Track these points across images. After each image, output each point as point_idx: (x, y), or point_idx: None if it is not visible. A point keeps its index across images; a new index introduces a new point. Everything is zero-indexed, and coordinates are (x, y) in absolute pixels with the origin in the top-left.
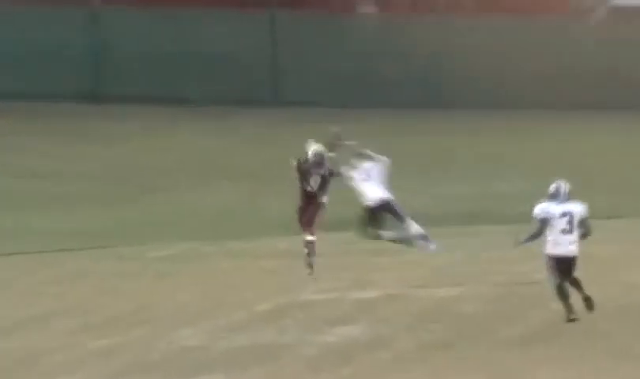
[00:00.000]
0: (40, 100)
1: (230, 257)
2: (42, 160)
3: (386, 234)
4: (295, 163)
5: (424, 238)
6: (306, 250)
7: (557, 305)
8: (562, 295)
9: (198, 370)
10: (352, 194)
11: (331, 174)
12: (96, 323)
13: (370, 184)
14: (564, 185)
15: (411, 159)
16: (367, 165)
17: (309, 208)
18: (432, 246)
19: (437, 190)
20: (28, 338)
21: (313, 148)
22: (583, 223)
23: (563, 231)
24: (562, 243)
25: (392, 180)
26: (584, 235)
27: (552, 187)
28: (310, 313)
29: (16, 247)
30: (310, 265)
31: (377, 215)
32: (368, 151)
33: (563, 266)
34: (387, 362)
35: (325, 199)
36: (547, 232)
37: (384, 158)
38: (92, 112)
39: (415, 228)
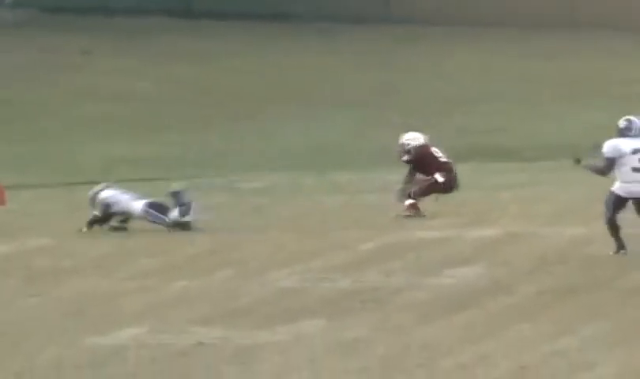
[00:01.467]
0: (130, 15)
1: (332, 191)
2: (129, 81)
3: None
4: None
5: None
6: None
7: None
8: (614, 230)
9: (295, 315)
10: None
11: None
12: (177, 263)
13: None
14: (638, 121)
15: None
16: None
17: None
18: None
19: None
20: (106, 278)
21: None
22: None
23: (634, 169)
24: (632, 181)
25: None
26: None
27: (623, 122)
28: (422, 254)
29: (101, 176)
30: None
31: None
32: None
33: (636, 205)
34: (507, 309)
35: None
36: (617, 170)
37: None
38: (185, 29)
39: None
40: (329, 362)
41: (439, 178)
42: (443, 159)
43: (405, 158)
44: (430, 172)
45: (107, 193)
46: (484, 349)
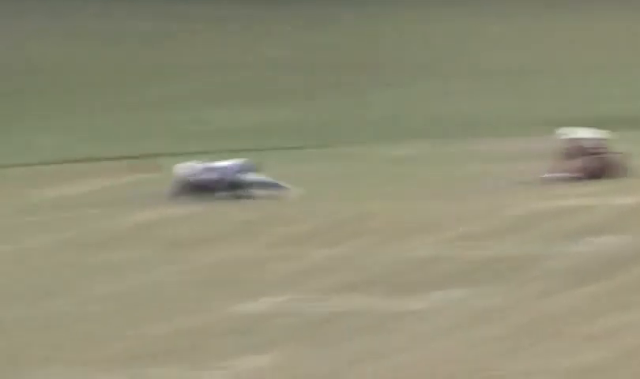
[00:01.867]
0: None
1: (477, 159)
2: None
3: None
4: None
5: None
6: None
7: None
8: None
9: (434, 284)
10: None
11: None
12: (318, 231)
13: None
14: None
15: None
16: None
17: None
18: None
19: None
20: (249, 245)
21: None
22: None
23: None
24: None
25: None
26: None
27: None
28: (565, 221)
29: (221, 144)
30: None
31: None
32: None
33: None
34: None
35: None
36: None
37: None
38: None
39: None
40: (465, 331)
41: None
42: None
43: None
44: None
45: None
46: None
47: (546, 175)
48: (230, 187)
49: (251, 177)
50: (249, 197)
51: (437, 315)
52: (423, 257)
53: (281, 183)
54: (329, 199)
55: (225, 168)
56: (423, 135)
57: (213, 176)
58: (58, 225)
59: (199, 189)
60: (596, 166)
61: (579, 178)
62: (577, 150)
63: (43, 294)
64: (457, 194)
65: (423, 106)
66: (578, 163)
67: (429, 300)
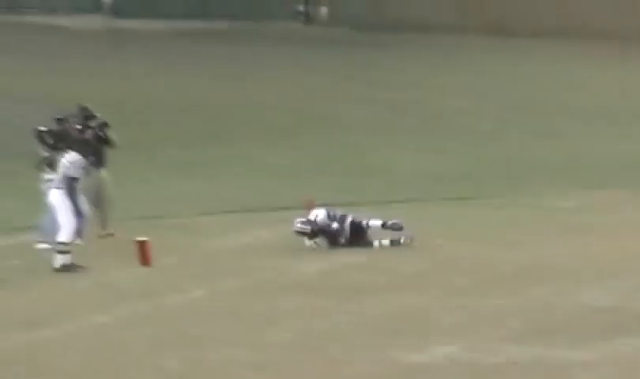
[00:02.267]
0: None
1: None
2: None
3: None
4: None
5: None
6: None
7: None
8: None
9: (609, 334)
10: None
11: None
12: (489, 280)
13: None
14: None
15: None
16: None
17: None
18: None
19: None
20: (420, 295)
21: None
22: None
23: None
24: None
25: None
26: None
27: None
28: None
29: (404, 193)
30: None
31: None
32: None
33: None
34: None
35: None
36: None
37: None
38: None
39: None
40: None
41: None
42: None
43: None
44: None
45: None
46: None
47: None
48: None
49: (372, 221)
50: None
51: (615, 365)
52: (600, 306)
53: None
54: (499, 248)
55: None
56: (595, 185)
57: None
58: (239, 273)
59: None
60: None
61: None
62: None
63: (220, 341)
64: (635, 243)
65: (594, 155)
66: None
67: (606, 350)
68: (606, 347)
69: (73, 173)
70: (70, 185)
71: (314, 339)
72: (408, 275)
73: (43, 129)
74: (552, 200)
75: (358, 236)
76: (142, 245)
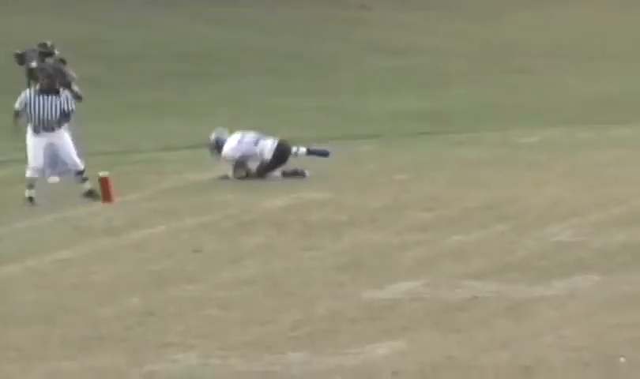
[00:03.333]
0: None
1: (609, 146)
2: (411, 36)
3: None
4: None
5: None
6: None
7: None
8: None
9: (569, 270)
10: None
11: None
12: (453, 216)
13: None
14: None
15: None
16: None
17: None
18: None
19: None
20: (381, 230)
21: None
22: None
23: None
24: None
25: None
26: None
27: None
28: None
29: (378, 128)
30: None
31: None
32: None
33: None
34: None
35: None
36: None
37: None
38: None
39: None
40: (603, 317)
41: None
42: None
43: None
44: None
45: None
46: None
47: None
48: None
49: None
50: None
51: (575, 301)
52: (560, 242)
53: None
54: (464, 185)
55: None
56: (560, 122)
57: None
58: (201, 209)
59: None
60: None
61: None
62: None
63: (182, 278)
64: (595, 181)
65: (560, 93)
66: None
67: (566, 286)
68: (567, 282)
69: (73, 106)
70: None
71: (276, 276)
72: (370, 211)
73: (33, 65)
74: (517, 136)
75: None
76: (104, 181)
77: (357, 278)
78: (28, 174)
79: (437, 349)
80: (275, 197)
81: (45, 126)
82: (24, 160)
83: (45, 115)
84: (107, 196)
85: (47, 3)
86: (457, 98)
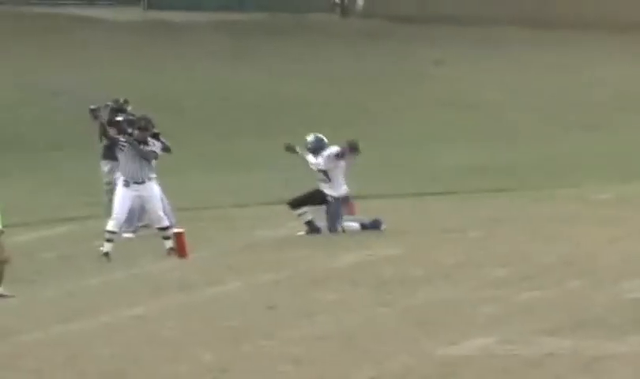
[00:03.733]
0: (481, 25)
1: None
2: (481, 90)
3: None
4: None
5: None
6: None
7: None
8: None
9: None
10: None
11: None
12: (529, 273)
13: None
14: None
15: None
16: None
17: None
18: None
19: None
20: (456, 286)
21: None
22: None
23: None
24: None
25: None
26: None
27: None
28: None
29: (447, 185)
30: None
31: None
32: None
33: None
34: None
35: None
36: None
37: None
38: (538, 38)
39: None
40: None
41: None
42: None
43: None
44: None
45: None
46: None
47: None
48: None
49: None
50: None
51: None
52: (637, 299)
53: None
54: (538, 241)
55: None
56: (632, 179)
57: None
58: (272, 266)
59: None
60: None
61: None
62: None
63: (256, 334)
64: None
65: (634, 148)
66: None
67: (638, 343)
68: None
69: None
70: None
71: (349, 332)
72: (444, 267)
73: (120, 118)
74: (590, 192)
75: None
76: (178, 236)
77: (431, 334)
78: (110, 227)
79: None
80: (348, 252)
81: (135, 179)
82: (93, 216)
83: (135, 168)
84: (182, 251)
85: (111, 57)
86: (528, 153)
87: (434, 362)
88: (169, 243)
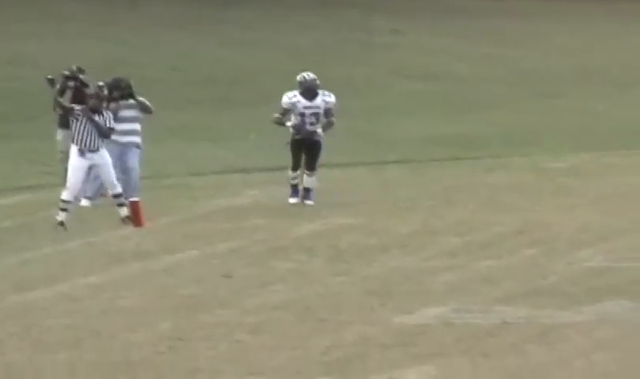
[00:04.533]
0: None
1: (638, 171)
2: (440, 61)
3: None
4: None
5: None
6: None
7: None
8: None
9: (600, 295)
10: None
11: None
12: (484, 241)
13: None
14: None
15: None
16: None
17: None
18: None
19: None
20: (412, 255)
21: None
22: None
23: None
24: None
25: None
26: None
27: None
28: None
29: (404, 154)
30: None
31: None
32: None
33: None
34: None
35: None
36: None
37: None
38: (498, 9)
39: None
40: (634, 342)
41: None
42: None
43: None
44: None
45: None
46: None
47: None
48: None
49: None
50: None
51: (605, 326)
52: (590, 268)
53: None
54: (494, 211)
55: None
56: (588, 147)
57: None
58: (229, 234)
59: None
60: None
61: None
62: None
63: (212, 304)
64: (625, 206)
65: (588, 118)
66: None
67: (596, 311)
68: (598, 308)
69: (112, 124)
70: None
71: (306, 301)
72: (400, 237)
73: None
74: (546, 161)
75: None
76: (134, 205)
77: (387, 303)
78: (64, 196)
79: (467, 375)
80: (305, 222)
81: (90, 147)
82: (49, 184)
83: (89, 136)
84: (137, 220)
85: (70, 27)
86: (486, 123)
87: (391, 331)
88: (124, 211)
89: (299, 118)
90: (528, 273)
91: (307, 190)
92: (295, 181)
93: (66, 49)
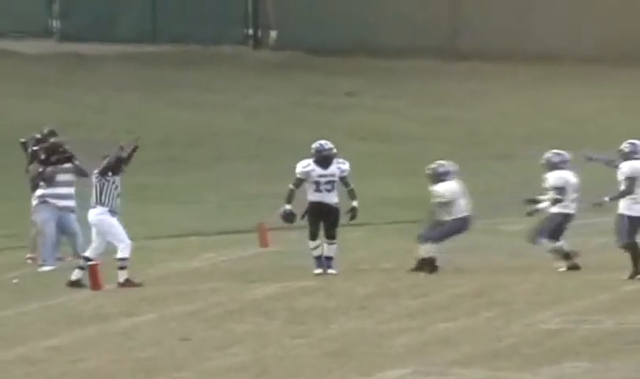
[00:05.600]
0: (393, 57)
1: (598, 234)
2: (394, 122)
3: None
4: None
5: None
6: None
7: None
8: (634, 253)
9: (558, 357)
10: None
11: None
12: (442, 303)
13: None
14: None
15: None
16: None
17: None
18: None
19: None
20: (370, 317)
21: None
22: None
23: None
24: None
25: None
26: None
27: (626, 146)
28: None
29: (359, 217)
30: None
31: None
32: None
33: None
34: None
35: None
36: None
37: None
38: (449, 71)
39: None
40: None
41: None
42: None
43: None
44: None
45: None
46: None
47: None
48: None
49: None
50: None
51: None
52: (548, 330)
53: None
54: (451, 273)
55: None
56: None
57: None
58: (186, 297)
59: None
60: None
61: None
62: None
63: (170, 366)
64: (583, 268)
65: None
66: None
67: (555, 373)
68: (556, 369)
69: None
70: None
71: (263, 364)
72: (357, 299)
73: (36, 147)
74: (501, 223)
75: None
76: (92, 268)
77: (346, 365)
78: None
79: None
80: (262, 284)
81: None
82: (8, 247)
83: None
84: (95, 283)
85: (23, 87)
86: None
87: None
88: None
89: (313, 186)
90: (487, 335)
91: (329, 259)
92: (318, 253)
93: (19, 109)
